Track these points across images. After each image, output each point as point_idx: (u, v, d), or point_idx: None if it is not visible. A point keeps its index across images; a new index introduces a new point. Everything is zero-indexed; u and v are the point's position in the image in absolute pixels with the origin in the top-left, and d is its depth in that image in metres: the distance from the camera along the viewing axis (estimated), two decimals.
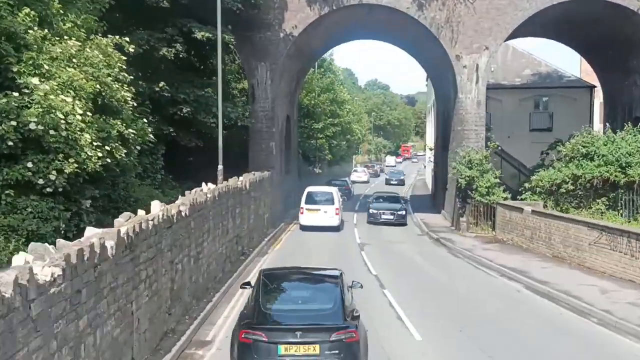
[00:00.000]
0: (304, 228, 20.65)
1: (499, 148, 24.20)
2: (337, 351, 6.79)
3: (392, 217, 22.85)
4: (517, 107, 28.35)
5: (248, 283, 8.64)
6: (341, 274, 8.03)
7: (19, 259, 4.40)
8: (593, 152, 17.02)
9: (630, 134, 17.13)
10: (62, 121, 8.30)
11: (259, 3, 19.07)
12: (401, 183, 44.73)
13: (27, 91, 8.21)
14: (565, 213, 16.29)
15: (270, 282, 7.90)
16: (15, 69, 8.42)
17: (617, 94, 23.37)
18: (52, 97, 8.20)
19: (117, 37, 11.01)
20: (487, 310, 11.01)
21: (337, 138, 40.02)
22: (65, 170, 8.27)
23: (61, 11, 10.00)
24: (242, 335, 6.96)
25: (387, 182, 44.71)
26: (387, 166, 67.48)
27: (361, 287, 8.58)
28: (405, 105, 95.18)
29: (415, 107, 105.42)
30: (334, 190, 22.24)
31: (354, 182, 41.41)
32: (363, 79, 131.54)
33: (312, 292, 7.94)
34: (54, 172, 8.22)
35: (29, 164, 8.04)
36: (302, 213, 21.18)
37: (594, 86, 27.93)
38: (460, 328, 9.54)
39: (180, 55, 15.96)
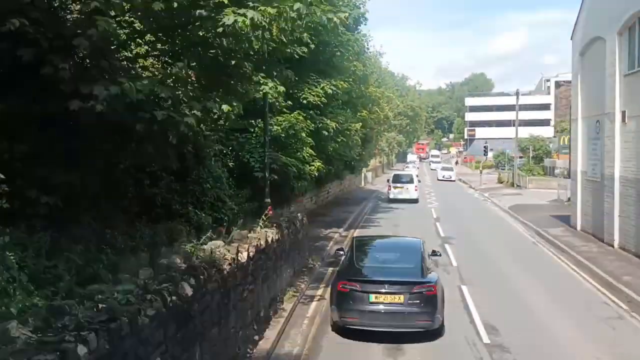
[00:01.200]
0: (392, 201, 31.44)
1: None
2: (418, 301, 8.82)
3: None
4: None
5: (341, 249, 11.48)
6: (423, 241, 10.29)
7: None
8: None
9: None
10: None
11: None
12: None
13: None
14: None
15: (362, 247, 10.32)
16: None
17: None
18: None
19: None
20: None
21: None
22: None
23: None
24: (340, 286, 9.02)
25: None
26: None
27: (440, 255, 11.23)
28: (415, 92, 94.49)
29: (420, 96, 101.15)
30: (413, 172, 35.52)
31: None
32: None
33: (397, 254, 9.96)
34: None
35: None
36: (389, 189, 32.93)
37: None
38: None
39: None
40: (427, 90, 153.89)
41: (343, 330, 9.34)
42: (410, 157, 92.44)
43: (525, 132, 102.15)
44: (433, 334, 9.28)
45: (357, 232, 20.89)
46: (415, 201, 32.56)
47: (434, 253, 11.24)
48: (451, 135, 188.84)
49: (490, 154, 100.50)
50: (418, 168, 52.66)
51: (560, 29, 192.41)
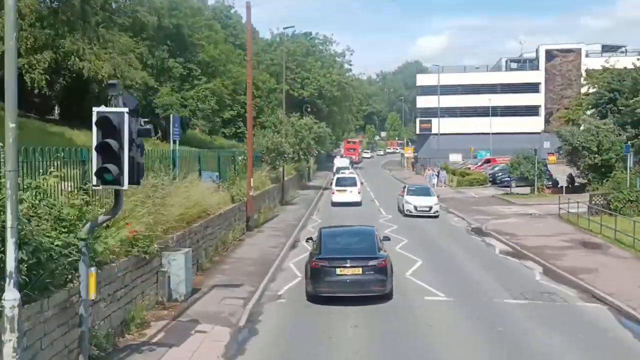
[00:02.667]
0: (335, 204, 34.84)
1: None
2: (372, 272, 13.57)
3: None
4: None
5: (311, 238, 16.87)
6: (375, 228, 16.17)
7: None
8: None
9: None
10: None
11: None
12: None
13: None
14: None
15: (328, 234, 15.31)
16: None
17: None
18: None
19: None
20: None
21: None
22: None
23: None
24: (313, 264, 13.80)
25: None
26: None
27: (389, 239, 17.71)
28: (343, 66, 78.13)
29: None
30: (356, 175, 37.20)
31: None
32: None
33: (356, 238, 15.20)
34: None
35: None
36: (333, 193, 35.90)
37: None
38: None
39: None
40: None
41: (315, 299, 13.87)
42: (339, 161, 68.22)
43: (503, 125, 71.34)
44: (385, 297, 13.92)
45: None
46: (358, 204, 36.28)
47: (385, 238, 16.87)
48: (383, 133, 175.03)
49: (459, 158, 67.95)
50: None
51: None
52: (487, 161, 59.57)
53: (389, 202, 35.85)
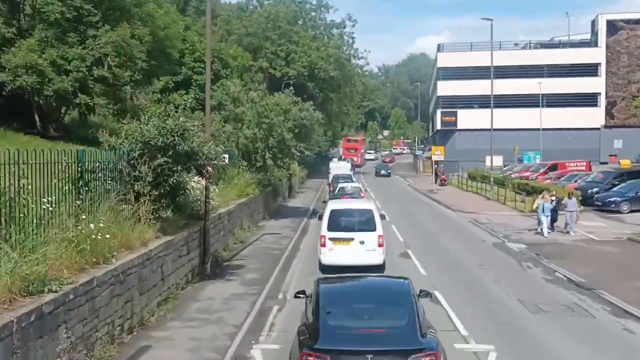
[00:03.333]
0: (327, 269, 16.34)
1: None
2: None
3: None
4: None
5: (302, 292, 9.64)
6: (410, 282, 8.90)
7: None
8: None
9: None
10: None
11: None
12: None
13: None
14: None
15: (331, 294, 8.66)
16: None
17: None
18: None
19: None
20: None
21: None
22: None
23: None
24: (303, 358, 7.61)
25: None
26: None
27: (431, 297, 9.78)
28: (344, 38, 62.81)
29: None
30: (372, 205, 18.10)
31: None
32: None
33: (380, 304, 8.47)
34: None
35: None
36: (323, 244, 16.49)
37: None
38: None
39: None
40: None
41: None
42: (337, 167, 48.70)
43: (550, 118, 53.17)
44: None
45: None
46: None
47: (424, 294, 9.33)
48: (386, 132, 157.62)
49: (498, 161, 53.48)
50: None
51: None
52: (553, 167, 41.12)
53: (433, 250, 21.10)
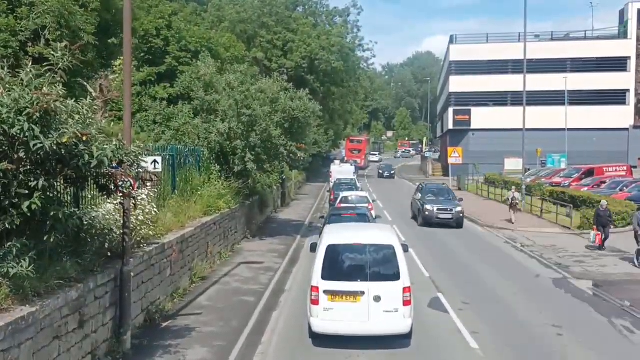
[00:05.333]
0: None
1: None
2: None
3: None
4: None
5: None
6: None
7: None
8: None
9: None
10: None
11: None
12: None
13: None
14: None
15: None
16: None
17: None
18: None
19: None
20: None
21: None
22: None
23: None
24: None
25: None
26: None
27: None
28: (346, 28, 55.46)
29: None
30: (392, 236, 11.55)
31: None
32: None
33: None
34: None
35: None
36: (316, 301, 10.41)
37: None
38: None
39: None
40: None
41: None
42: (339, 169, 43.22)
43: (576, 118, 47.55)
44: None
45: None
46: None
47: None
48: (390, 133, 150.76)
49: (517, 164, 46.77)
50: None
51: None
52: (589, 172, 35.13)
53: (476, 295, 14.69)
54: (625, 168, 37.52)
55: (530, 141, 58.99)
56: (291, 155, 20.12)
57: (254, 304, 12.97)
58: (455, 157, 36.83)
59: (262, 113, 19.27)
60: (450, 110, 64.74)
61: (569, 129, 55.43)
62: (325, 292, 10.10)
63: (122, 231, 9.75)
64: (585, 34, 63.53)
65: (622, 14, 63.59)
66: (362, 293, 10.01)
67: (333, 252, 10.51)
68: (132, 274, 9.99)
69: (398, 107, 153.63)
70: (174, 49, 41.00)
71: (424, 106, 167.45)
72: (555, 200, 30.66)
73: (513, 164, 51.43)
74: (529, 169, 52.29)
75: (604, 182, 35.35)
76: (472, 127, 62.41)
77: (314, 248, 11.64)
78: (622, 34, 61.15)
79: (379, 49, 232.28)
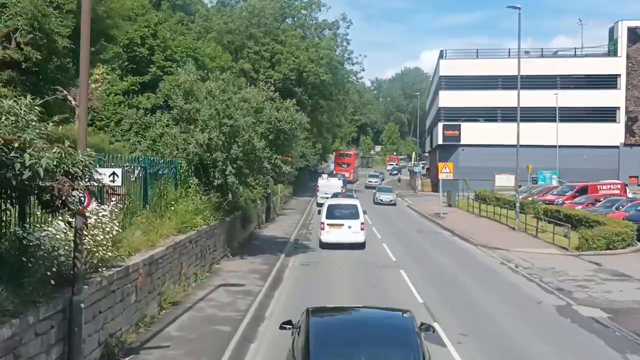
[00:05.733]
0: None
1: None
2: None
3: None
4: None
5: (289, 322, 8.78)
6: (412, 317, 8.10)
7: None
8: None
9: None
10: None
11: None
12: None
13: None
14: None
15: (323, 328, 7.83)
16: None
17: None
18: None
19: None
20: None
21: None
22: None
23: None
24: None
25: None
26: None
27: (433, 331, 9.16)
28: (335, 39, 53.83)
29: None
30: (357, 202, 26.61)
31: None
32: None
33: (380, 344, 7.47)
34: None
35: None
36: (322, 229, 23.94)
37: None
38: None
39: None
40: None
41: None
42: (327, 184, 43.20)
43: (566, 135, 47.13)
44: None
45: None
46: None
47: (424, 327, 8.30)
48: (378, 148, 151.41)
49: (509, 181, 48.12)
50: None
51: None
52: (582, 190, 34.35)
53: (472, 324, 13.71)
54: (619, 186, 36.59)
55: (520, 157, 58.33)
56: (276, 168, 18.98)
57: (229, 335, 11.49)
58: (446, 172, 35.79)
59: (245, 123, 18.01)
60: (440, 125, 63.84)
61: (559, 146, 54.93)
62: (327, 224, 22.97)
63: (74, 254, 8.18)
64: (575, 51, 63.21)
65: (612, 31, 63.30)
66: (343, 224, 22.90)
67: (330, 207, 23.93)
68: (83, 305, 8.38)
69: (387, 122, 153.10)
70: (159, 58, 39.76)
71: (412, 121, 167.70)
72: (550, 219, 29.77)
73: (504, 181, 50.65)
74: (520, 186, 51.61)
75: (599, 201, 34.44)
76: (462, 142, 61.69)
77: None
78: (612, 52, 60.80)
79: (370, 64, 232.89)
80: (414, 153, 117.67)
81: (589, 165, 56.57)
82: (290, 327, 8.34)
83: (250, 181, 19.59)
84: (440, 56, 66.17)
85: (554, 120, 56.72)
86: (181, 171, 17.62)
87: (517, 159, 32.20)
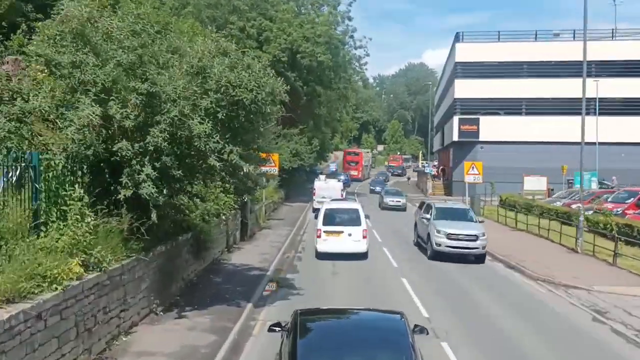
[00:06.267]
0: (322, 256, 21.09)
1: None
2: None
3: None
4: None
5: (278, 324, 8.47)
6: (405, 319, 7.77)
7: None
8: None
9: None
10: None
11: None
12: None
13: None
14: None
15: (312, 331, 7.73)
16: None
17: None
18: None
19: None
20: None
21: None
22: None
23: None
24: None
25: None
26: None
27: (427, 333, 8.61)
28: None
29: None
30: (358, 205, 23.15)
31: None
32: None
33: (371, 347, 7.28)
34: None
35: None
36: (319, 237, 21.06)
37: None
38: None
39: None
40: None
41: None
42: (324, 184, 37.25)
43: (601, 130, 39.71)
44: None
45: None
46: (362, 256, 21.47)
47: (418, 329, 8.16)
48: (380, 147, 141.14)
49: (540, 184, 43.60)
50: None
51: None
52: None
53: None
54: None
55: (551, 157, 50.81)
56: (231, 169, 11.54)
57: None
58: (473, 174, 27.98)
59: (175, 91, 10.54)
60: (455, 119, 55.02)
61: (602, 143, 47.01)
62: (324, 231, 20.01)
63: None
64: (613, 33, 53.61)
65: None
66: (342, 232, 20.10)
67: (328, 212, 20.76)
68: None
69: (390, 120, 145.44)
70: None
71: (417, 119, 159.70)
72: (627, 239, 22.08)
73: (534, 184, 43.03)
74: (552, 189, 44.07)
75: None
76: (481, 139, 52.84)
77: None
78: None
79: (371, 63, 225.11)
80: (419, 152, 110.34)
81: (628, 165, 48.93)
82: (280, 329, 8.00)
83: (193, 190, 12.05)
84: (457, 39, 57.18)
85: (589, 113, 49.10)
86: (53, 174, 10.15)
87: (581, 157, 24.29)
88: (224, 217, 19.86)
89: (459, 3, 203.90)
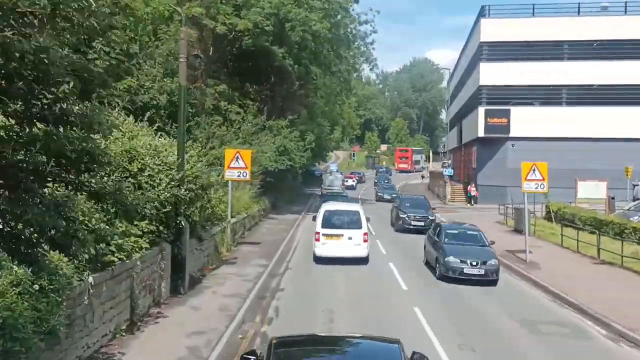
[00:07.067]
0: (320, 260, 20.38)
1: None
2: None
3: None
4: None
5: (252, 352, 7.43)
6: (401, 348, 6.78)
7: None
8: None
9: None
10: None
11: None
12: None
13: None
14: None
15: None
16: None
17: None
18: None
19: None
20: None
21: None
22: None
23: None
24: None
25: None
26: None
27: None
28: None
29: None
30: (359, 208, 22.26)
31: None
32: None
33: None
34: None
35: None
36: (317, 240, 20.47)
37: None
38: None
39: None
40: None
41: None
42: (332, 180, 41.00)
43: None
44: None
45: None
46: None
47: (417, 357, 7.14)
48: (384, 147, 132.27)
49: (599, 190, 34.81)
50: None
51: None
52: None
53: None
54: None
55: (606, 155, 41.78)
56: None
57: None
58: (535, 179, 18.84)
59: None
60: (481, 110, 44.91)
61: None
62: (322, 234, 19.28)
63: None
64: None
65: None
66: (342, 235, 19.35)
67: (327, 213, 19.97)
68: None
69: (394, 118, 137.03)
70: None
71: (422, 117, 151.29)
72: None
73: (591, 190, 33.95)
74: (613, 197, 35.14)
75: None
76: (512, 134, 43.12)
77: None
78: None
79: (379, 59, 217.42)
80: (428, 152, 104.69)
81: None
82: (254, 358, 6.89)
83: None
84: (482, 14, 47.25)
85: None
86: None
87: None
88: (137, 262, 10.57)
89: (461, 3, 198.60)
